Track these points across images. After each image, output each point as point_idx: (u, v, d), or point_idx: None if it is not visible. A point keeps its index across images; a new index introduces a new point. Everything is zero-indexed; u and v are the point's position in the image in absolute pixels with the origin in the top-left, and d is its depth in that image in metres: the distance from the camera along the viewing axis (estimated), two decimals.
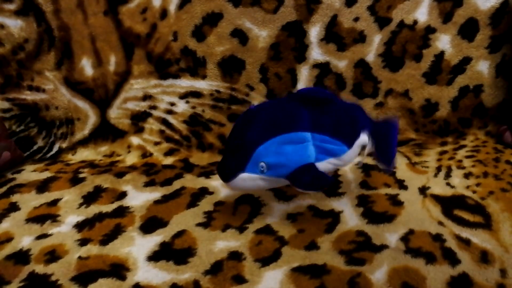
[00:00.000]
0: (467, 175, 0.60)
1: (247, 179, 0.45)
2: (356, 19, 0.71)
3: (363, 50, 0.72)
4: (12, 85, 0.71)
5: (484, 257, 0.43)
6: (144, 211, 0.53)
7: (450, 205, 0.53)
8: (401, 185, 0.58)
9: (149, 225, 0.50)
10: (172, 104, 0.72)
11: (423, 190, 0.57)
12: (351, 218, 0.51)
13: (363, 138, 0.48)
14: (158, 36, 0.70)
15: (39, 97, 0.71)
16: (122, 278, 0.42)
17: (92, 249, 0.46)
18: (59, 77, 0.71)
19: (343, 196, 0.56)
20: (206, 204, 0.55)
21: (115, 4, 0.69)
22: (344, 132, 0.46)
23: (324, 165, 0.46)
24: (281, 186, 0.59)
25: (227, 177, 0.46)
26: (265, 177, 0.44)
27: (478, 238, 0.46)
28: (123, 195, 0.58)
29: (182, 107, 0.72)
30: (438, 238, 0.46)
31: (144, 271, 0.43)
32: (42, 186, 0.61)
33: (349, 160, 0.48)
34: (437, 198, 0.54)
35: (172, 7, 0.69)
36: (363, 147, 0.49)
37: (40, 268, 0.43)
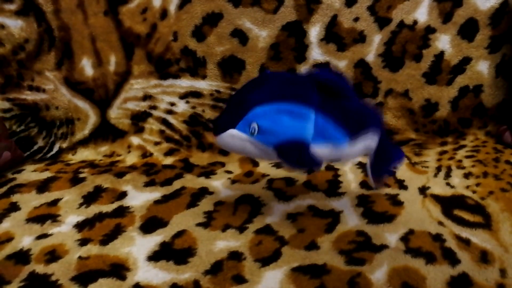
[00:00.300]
0: (467, 175, 0.60)
1: (236, 137, 0.41)
2: (356, 19, 0.71)
3: (363, 50, 0.72)
4: (12, 85, 0.71)
5: (484, 257, 0.43)
6: (144, 211, 0.53)
7: (450, 205, 0.53)
8: (401, 185, 0.58)
9: (149, 225, 0.50)
10: (172, 104, 0.72)
11: (423, 190, 0.57)
12: (351, 218, 0.51)
13: (371, 141, 0.43)
14: (158, 36, 0.70)
15: (40, 97, 0.71)
16: (122, 278, 0.42)
17: (92, 249, 0.46)
18: (59, 77, 0.71)
19: (343, 196, 0.56)
20: (206, 204, 0.55)
21: (115, 4, 0.69)
22: (350, 123, 0.42)
23: (319, 150, 0.42)
24: (279, 186, 0.59)
25: (217, 130, 0.43)
26: (254, 141, 0.41)
27: (478, 238, 0.46)
28: (123, 195, 0.58)
29: (182, 107, 0.73)
30: (438, 238, 0.46)
31: (144, 271, 0.43)
32: (42, 186, 0.61)
33: (347, 156, 0.44)
34: (437, 198, 0.54)
35: (172, 7, 0.69)
36: (368, 150, 0.45)
37: (40, 268, 0.43)
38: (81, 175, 0.64)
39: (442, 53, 0.73)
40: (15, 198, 0.58)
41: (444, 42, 0.72)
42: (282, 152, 0.40)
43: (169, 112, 0.73)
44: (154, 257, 0.45)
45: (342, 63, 0.73)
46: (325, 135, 0.41)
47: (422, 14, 0.71)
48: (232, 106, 0.43)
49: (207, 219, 0.51)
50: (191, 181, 0.61)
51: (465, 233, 0.47)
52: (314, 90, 0.42)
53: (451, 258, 0.43)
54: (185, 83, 0.72)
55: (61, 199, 0.57)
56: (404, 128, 0.75)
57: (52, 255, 0.45)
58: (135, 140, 0.73)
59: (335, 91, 0.42)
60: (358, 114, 0.43)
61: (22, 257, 0.45)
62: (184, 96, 0.72)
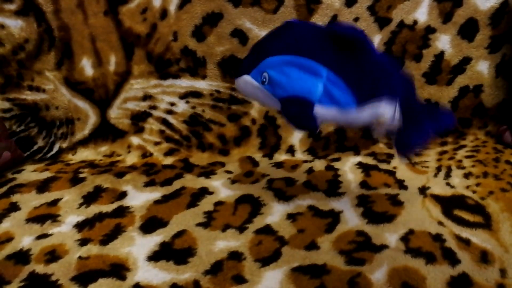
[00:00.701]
0: (467, 175, 0.60)
1: (249, 84, 0.43)
2: (356, 19, 0.71)
3: None
4: (12, 85, 0.71)
5: (484, 257, 0.43)
6: (144, 211, 0.53)
7: (450, 205, 0.53)
8: (401, 185, 0.58)
9: (149, 225, 0.50)
10: (172, 104, 0.72)
11: (423, 190, 0.57)
12: (351, 218, 0.51)
13: (383, 107, 0.40)
14: (158, 36, 0.70)
15: (39, 97, 0.71)
16: (122, 278, 0.42)
17: (92, 249, 0.46)
18: (59, 77, 0.71)
19: (343, 196, 0.56)
20: (206, 204, 0.55)
21: (115, 4, 0.69)
22: (363, 87, 0.39)
23: (323, 112, 0.40)
24: (279, 186, 0.59)
25: (236, 73, 0.44)
26: (263, 89, 0.41)
27: (478, 238, 0.46)
28: (123, 195, 0.58)
29: (182, 107, 0.73)
30: (438, 238, 0.46)
31: (144, 271, 0.43)
32: (42, 186, 0.61)
33: (353, 121, 0.41)
34: (437, 198, 0.54)
35: (172, 7, 0.69)
36: (380, 118, 0.41)
37: (40, 268, 0.43)
38: (81, 175, 0.64)
39: (442, 53, 0.73)
40: (15, 198, 0.58)
41: (444, 42, 0.72)
42: (285, 106, 0.40)
43: (169, 112, 0.73)
44: (154, 257, 0.45)
45: None
46: (333, 97, 0.39)
47: (422, 14, 0.71)
48: (252, 52, 0.43)
49: (207, 219, 0.51)
50: (191, 181, 0.61)
51: (465, 233, 0.47)
52: (331, 46, 0.40)
53: (451, 258, 0.43)
54: (185, 83, 0.72)
55: (61, 199, 0.57)
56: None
57: (52, 255, 0.45)
58: (135, 140, 0.73)
59: (354, 45, 0.40)
60: (375, 77, 0.40)
61: (22, 257, 0.45)
62: (184, 96, 0.72)
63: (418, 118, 0.42)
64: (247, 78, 0.42)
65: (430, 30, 0.72)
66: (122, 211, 0.53)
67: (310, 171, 0.64)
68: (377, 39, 0.72)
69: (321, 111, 0.40)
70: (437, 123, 0.43)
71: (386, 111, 0.40)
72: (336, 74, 0.39)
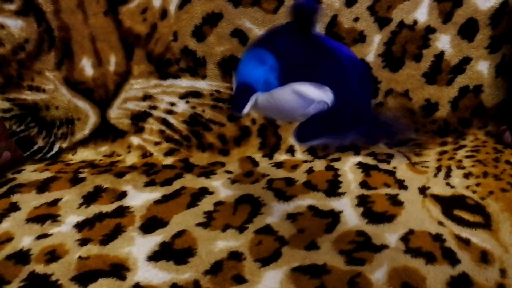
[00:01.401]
0: (467, 175, 0.60)
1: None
2: (356, 19, 0.71)
3: (363, 50, 0.72)
4: (12, 85, 0.71)
5: (484, 257, 0.43)
6: (144, 211, 0.53)
7: (450, 205, 0.53)
8: (401, 185, 0.58)
9: (149, 225, 0.50)
10: (172, 104, 0.72)
11: (423, 190, 0.57)
12: (351, 218, 0.51)
13: (308, 90, 0.36)
14: (158, 36, 0.70)
15: (39, 97, 0.71)
16: (122, 278, 0.42)
17: (92, 249, 0.46)
18: (59, 77, 0.71)
19: (343, 196, 0.56)
20: (206, 204, 0.55)
21: (115, 4, 0.69)
22: (291, 70, 0.37)
23: (260, 99, 0.39)
24: (279, 186, 0.59)
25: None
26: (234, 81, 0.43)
27: (478, 238, 0.46)
28: (123, 195, 0.58)
29: (182, 107, 0.72)
30: (438, 238, 0.46)
31: (144, 271, 0.43)
32: (42, 186, 0.61)
33: (283, 105, 0.38)
34: (437, 198, 0.54)
35: (172, 7, 0.69)
36: (310, 105, 0.37)
37: (40, 268, 0.43)
38: (81, 175, 0.64)
39: (442, 53, 0.73)
40: (15, 198, 0.58)
41: (444, 42, 0.72)
42: (234, 92, 0.41)
43: (169, 112, 0.73)
44: (154, 257, 0.45)
45: None
46: (268, 83, 0.38)
47: (422, 14, 0.71)
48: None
49: (207, 219, 0.51)
50: (191, 181, 0.61)
51: (465, 233, 0.47)
52: (288, 31, 0.39)
53: (451, 258, 0.43)
54: (185, 83, 0.72)
55: (61, 199, 0.57)
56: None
57: (52, 255, 0.45)
58: (135, 140, 0.73)
59: (308, 17, 0.38)
60: (318, 54, 0.38)
61: (22, 257, 0.45)
62: (184, 96, 0.72)
63: (352, 114, 0.38)
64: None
65: (430, 30, 0.72)
66: (122, 211, 0.53)
67: (310, 171, 0.64)
68: (377, 39, 0.72)
69: (257, 98, 0.39)
70: (378, 131, 0.41)
71: (311, 94, 0.36)
72: (278, 61, 0.37)
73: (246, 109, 0.39)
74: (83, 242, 0.47)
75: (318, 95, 0.36)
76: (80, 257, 0.45)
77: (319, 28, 0.71)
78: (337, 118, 0.37)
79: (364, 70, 0.40)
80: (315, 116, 0.38)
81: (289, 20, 0.40)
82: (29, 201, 0.57)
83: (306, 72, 0.37)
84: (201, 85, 0.72)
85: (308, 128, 0.38)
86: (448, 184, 0.58)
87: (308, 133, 0.38)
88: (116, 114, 0.72)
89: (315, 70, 0.37)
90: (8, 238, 0.49)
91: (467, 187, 0.57)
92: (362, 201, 0.54)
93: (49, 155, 0.72)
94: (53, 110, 0.72)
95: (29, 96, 0.71)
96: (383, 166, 0.65)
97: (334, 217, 0.51)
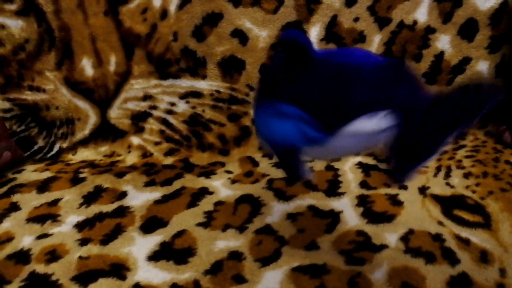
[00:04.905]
0: (466, 175, 0.60)
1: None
2: (356, 19, 0.71)
3: None
4: (12, 85, 0.71)
5: (484, 257, 0.43)
6: (144, 211, 0.54)
7: (449, 205, 0.53)
8: (401, 185, 0.58)
9: (149, 225, 0.50)
10: (172, 104, 0.73)
11: (422, 190, 0.57)
12: (351, 218, 0.51)
13: (362, 125, 0.31)
14: (158, 36, 0.70)
15: (40, 97, 0.71)
16: (122, 277, 0.42)
17: (93, 249, 0.46)
18: (60, 77, 0.71)
19: (343, 196, 0.56)
20: (206, 204, 0.55)
21: (115, 5, 0.69)
22: (322, 112, 0.31)
23: (309, 152, 0.34)
24: (279, 186, 0.59)
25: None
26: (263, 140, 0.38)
27: (478, 237, 0.46)
28: (123, 195, 0.58)
29: (182, 107, 0.73)
30: (437, 238, 0.46)
31: (144, 271, 0.43)
32: (42, 186, 0.61)
33: (342, 151, 0.35)
34: (437, 198, 0.54)
35: (172, 7, 0.69)
36: (372, 139, 0.32)
37: (40, 268, 0.44)
38: (81, 175, 0.64)
39: (442, 53, 0.73)
40: (15, 198, 0.58)
41: (444, 42, 0.72)
42: (280, 162, 0.37)
43: (169, 112, 0.73)
44: (154, 257, 0.45)
45: None
46: (306, 135, 0.33)
47: (422, 14, 0.71)
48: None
49: (207, 219, 0.51)
50: (191, 181, 0.61)
51: (464, 233, 0.47)
52: (287, 71, 0.33)
53: (451, 258, 0.43)
54: (185, 83, 0.72)
55: (61, 199, 0.57)
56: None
57: (53, 255, 0.45)
58: (135, 140, 0.73)
59: (298, 49, 0.32)
60: (338, 84, 0.31)
61: (22, 257, 0.45)
62: (184, 96, 0.72)
63: (425, 119, 0.32)
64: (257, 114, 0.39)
65: (430, 30, 0.72)
66: (122, 211, 0.54)
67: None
68: (377, 39, 0.72)
69: (308, 151, 0.34)
70: (468, 110, 0.31)
71: (367, 128, 0.31)
72: (299, 107, 0.32)
73: (306, 174, 0.35)
74: (83, 242, 0.47)
75: (376, 124, 0.31)
76: (80, 257, 0.45)
77: (320, 29, 0.71)
78: (416, 131, 0.31)
79: (390, 65, 0.33)
80: (396, 149, 0.32)
81: (279, 52, 0.35)
82: (30, 201, 0.57)
83: (343, 109, 0.31)
84: (201, 85, 0.72)
85: (403, 165, 0.32)
86: (448, 184, 0.58)
87: (407, 169, 0.33)
88: (116, 114, 0.72)
89: (351, 102, 0.31)
90: (9, 238, 0.49)
91: (467, 187, 0.57)
92: (362, 201, 0.54)
93: (49, 155, 0.72)
94: (54, 110, 0.72)
95: (29, 96, 0.71)
96: (383, 166, 0.65)
97: (334, 217, 0.51)
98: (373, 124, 0.31)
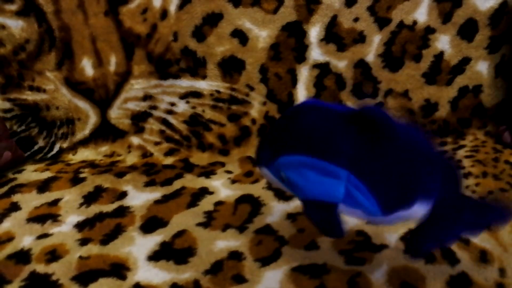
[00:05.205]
0: (466, 175, 0.60)
1: (269, 176, 0.39)
2: (356, 20, 0.71)
3: (363, 51, 0.72)
4: (13, 85, 0.71)
5: (483, 257, 0.43)
6: (145, 211, 0.54)
7: None
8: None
9: (150, 225, 0.50)
10: (172, 104, 0.73)
11: None
12: (351, 218, 0.51)
13: (417, 210, 0.34)
14: (159, 37, 0.70)
15: (40, 97, 0.71)
16: (123, 277, 0.42)
17: (93, 249, 0.46)
18: (60, 77, 0.71)
19: None
20: (206, 204, 0.55)
21: (115, 5, 0.69)
22: (386, 192, 0.33)
23: (347, 212, 0.35)
24: None
25: (255, 161, 0.41)
26: (284, 187, 0.38)
27: (477, 237, 0.46)
28: (123, 195, 0.58)
29: (182, 107, 0.73)
30: None
31: (144, 271, 0.43)
32: (42, 186, 0.61)
33: (383, 224, 0.37)
34: None
35: (172, 8, 0.70)
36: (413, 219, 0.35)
37: (41, 268, 0.44)
38: (82, 175, 0.64)
39: (441, 53, 0.73)
40: (15, 198, 0.58)
41: (443, 42, 0.72)
42: (307, 209, 0.36)
43: (169, 112, 0.73)
44: (154, 257, 0.45)
45: (342, 63, 0.73)
46: (356, 200, 0.34)
47: (422, 15, 0.71)
48: (267, 141, 0.39)
49: (207, 219, 0.51)
50: (191, 181, 0.62)
51: None
52: (350, 137, 0.34)
53: (451, 258, 0.43)
54: (185, 83, 0.72)
55: (61, 199, 0.57)
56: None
57: (53, 255, 0.45)
58: (135, 140, 0.74)
59: (377, 128, 0.33)
60: (403, 179, 0.33)
61: (22, 256, 0.45)
62: (184, 96, 0.72)
63: (451, 215, 0.35)
64: (265, 171, 0.39)
65: (429, 30, 0.72)
66: (123, 211, 0.54)
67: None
68: (377, 39, 0.72)
69: (345, 211, 0.35)
70: (483, 218, 0.36)
71: (417, 215, 0.34)
72: (357, 177, 0.33)
73: (344, 230, 0.35)
74: (84, 242, 0.47)
75: (422, 211, 0.34)
76: (80, 257, 0.45)
77: (320, 29, 0.71)
78: (441, 220, 0.34)
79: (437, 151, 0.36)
80: (418, 231, 0.35)
81: (350, 119, 0.34)
82: (30, 201, 0.57)
83: (407, 193, 0.33)
84: (201, 85, 0.72)
85: (421, 245, 0.36)
86: None
87: (423, 249, 0.36)
88: (117, 114, 0.72)
89: (412, 186, 0.33)
90: (9, 238, 0.49)
91: (467, 187, 0.57)
92: None
93: (49, 155, 0.72)
94: (54, 110, 0.72)
95: (29, 96, 0.71)
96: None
97: None
98: (423, 210, 0.34)
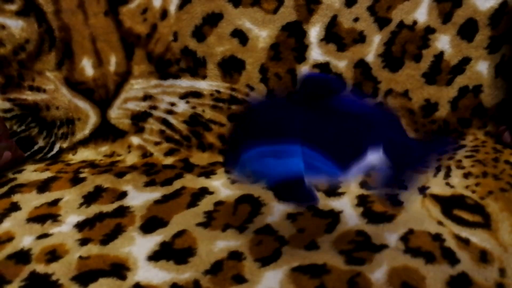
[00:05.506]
0: (466, 175, 0.60)
1: (240, 177, 0.43)
2: (356, 20, 0.71)
3: (363, 50, 0.72)
4: (13, 85, 0.71)
5: (483, 257, 0.43)
6: (145, 211, 0.54)
7: (449, 204, 0.53)
8: (401, 185, 0.58)
9: (149, 225, 0.50)
10: (172, 104, 0.73)
11: (422, 190, 0.57)
12: (351, 218, 0.51)
13: (370, 159, 0.38)
14: (159, 37, 0.70)
15: (40, 97, 0.71)
16: (123, 277, 0.42)
17: (93, 249, 0.46)
18: (60, 77, 0.71)
19: (343, 196, 0.56)
20: (206, 204, 0.55)
21: (115, 5, 0.69)
22: (340, 151, 0.38)
23: (314, 181, 0.40)
24: None
25: (226, 163, 0.46)
26: (253, 184, 0.43)
27: (478, 237, 0.46)
28: (123, 195, 0.58)
29: (182, 107, 0.73)
30: (437, 237, 0.46)
31: (144, 271, 0.43)
32: (42, 186, 0.61)
33: (348, 181, 0.42)
34: (437, 198, 0.54)
35: (172, 8, 0.70)
36: (372, 168, 0.40)
37: (41, 268, 0.44)
38: (82, 175, 0.64)
39: (441, 53, 0.73)
40: (15, 198, 0.58)
41: (443, 42, 0.72)
42: (277, 194, 0.41)
43: (169, 112, 0.73)
44: (154, 257, 0.45)
45: (342, 63, 0.73)
46: (315, 168, 0.38)
47: (422, 15, 0.71)
48: (229, 147, 0.44)
49: (207, 219, 0.51)
50: (191, 181, 0.61)
51: (464, 232, 0.47)
52: (296, 111, 0.39)
53: (451, 258, 0.43)
54: (185, 83, 0.72)
55: (61, 199, 0.57)
56: (404, 128, 0.75)
57: (53, 255, 0.45)
58: (135, 140, 0.73)
59: (324, 88, 0.39)
60: (353, 127, 0.38)
61: (22, 256, 0.45)
62: (184, 96, 0.72)
63: (402, 153, 0.40)
64: (236, 173, 0.42)
65: (429, 30, 0.72)
66: (122, 211, 0.54)
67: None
68: (377, 39, 0.72)
69: (312, 181, 0.39)
70: (431, 150, 0.43)
71: (374, 162, 0.39)
72: (310, 149, 0.37)
73: (317, 196, 0.39)
74: (84, 242, 0.47)
75: (376, 157, 0.38)
76: (80, 257, 0.45)
77: (320, 29, 0.71)
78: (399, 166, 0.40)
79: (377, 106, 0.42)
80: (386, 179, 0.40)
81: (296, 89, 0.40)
82: (30, 201, 0.57)
83: (357, 145, 0.38)
84: (201, 85, 0.72)
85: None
86: (447, 184, 0.58)
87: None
88: (116, 114, 0.72)
89: (363, 137, 0.38)
90: (9, 238, 0.49)
91: (467, 187, 0.57)
92: (362, 201, 0.54)
93: (49, 155, 0.72)
94: (54, 110, 0.72)
95: (29, 96, 0.71)
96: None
97: (334, 217, 0.51)
98: (377, 156, 0.38)
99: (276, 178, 0.39)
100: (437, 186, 0.58)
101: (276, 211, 0.53)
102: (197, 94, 0.72)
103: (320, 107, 0.38)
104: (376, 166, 0.39)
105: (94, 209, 0.54)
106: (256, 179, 0.42)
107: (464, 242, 0.45)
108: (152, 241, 0.47)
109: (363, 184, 0.59)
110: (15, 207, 0.55)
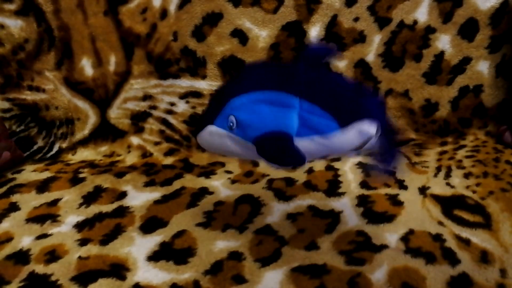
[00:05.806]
0: (467, 175, 0.60)
1: (215, 134, 0.37)
2: (356, 19, 0.71)
3: (363, 50, 0.72)
4: (12, 85, 0.71)
5: (484, 257, 0.43)
6: (144, 211, 0.53)
7: (450, 205, 0.53)
8: (401, 185, 0.58)
9: (149, 225, 0.50)
10: (172, 104, 0.72)
11: (423, 190, 0.57)
12: (351, 218, 0.51)
13: (368, 127, 0.36)
14: (158, 36, 0.70)
15: (39, 97, 0.71)
16: (122, 278, 0.42)
17: (92, 249, 0.46)
18: (59, 77, 0.71)
19: (343, 196, 0.56)
20: (206, 204, 0.55)
21: (115, 4, 0.69)
22: (340, 106, 0.36)
23: (306, 143, 0.36)
24: (279, 186, 0.58)
25: (197, 129, 0.39)
26: (233, 135, 0.37)
27: (478, 238, 0.46)
28: (123, 195, 0.58)
29: (182, 107, 0.73)
30: (438, 238, 0.46)
31: (144, 271, 0.43)
32: (42, 186, 0.61)
33: (340, 146, 0.38)
34: (437, 198, 0.54)
35: (172, 7, 0.69)
36: (366, 142, 0.37)
37: (40, 268, 0.43)
38: (81, 175, 0.64)
39: (442, 53, 0.73)
40: (15, 198, 0.58)
41: (444, 42, 0.72)
42: (261, 145, 0.36)
43: (169, 112, 0.73)
44: (154, 257, 0.45)
45: (342, 63, 0.73)
46: (312, 125, 0.36)
47: (422, 14, 0.71)
48: (211, 103, 0.39)
49: (207, 219, 0.51)
50: (191, 181, 0.61)
51: (465, 233, 0.47)
52: (298, 69, 0.37)
53: (451, 258, 0.43)
54: (185, 83, 0.72)
55: (61, 199, 0.57)
56: (404, 128, 0.75)
57: (52, 255, 0.45)
58: (135, 140, 0.73)
59: (323, 59, 0.38)
60: (352, 99, 0.37)
61: (21, 257, 0.45)
62: (184, 96, 0.72)
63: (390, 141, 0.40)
64: (212, 128, 0.38)
65: (430, 30, 0.72)
66: (122, 211, 0.53)
67: (310, 171, 0.64)
68: (377, 39, 0.72)
69: (302, 143, 0.36)
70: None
71: (371, 130, 0.36)
72: (310, 101, 0.35)
73: (305, 157, 0.35)
74: (83, 242, 0.47)
75: (372, 131, 0.36)
76: (80, 257, 0.45)
77: (320, 28, 0.71)
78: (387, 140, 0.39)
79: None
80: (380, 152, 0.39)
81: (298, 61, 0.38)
82: (29, 201, 0.57)
83: (358, 109, 0.36)
84: (201, 85, 0.72)
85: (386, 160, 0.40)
86: (448, 184, 0.58)
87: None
88: (116, 114, 0.72)
89: (360, 104, 0.37)
90: (8, 238, 0.49)
91: (467, 187, 0.57)
92: (362, 201, 0.54)
93: (49, 155, 0.72)
94: (53, 110, 0.72)
95: (29, 96, 0.71)
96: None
97: (334, 217, 0.51)
98: (373, 130, 0.36)
99: (265, 129, 0.35)
100: (437, 186, 0.58)
101: (276, 211, 0.52)
102: (197, 94, 0.72)
103: (320, 71, 0.37)
104: (372, 135, 0.37)
105: (93, 209, 0.54)
106: (239, 132, 0.37)
107: (465, 243, 0.45)
108: (152, 241, 0.47)
109: (363, 184, 0.59)
110: (14, 207, 0.55)
